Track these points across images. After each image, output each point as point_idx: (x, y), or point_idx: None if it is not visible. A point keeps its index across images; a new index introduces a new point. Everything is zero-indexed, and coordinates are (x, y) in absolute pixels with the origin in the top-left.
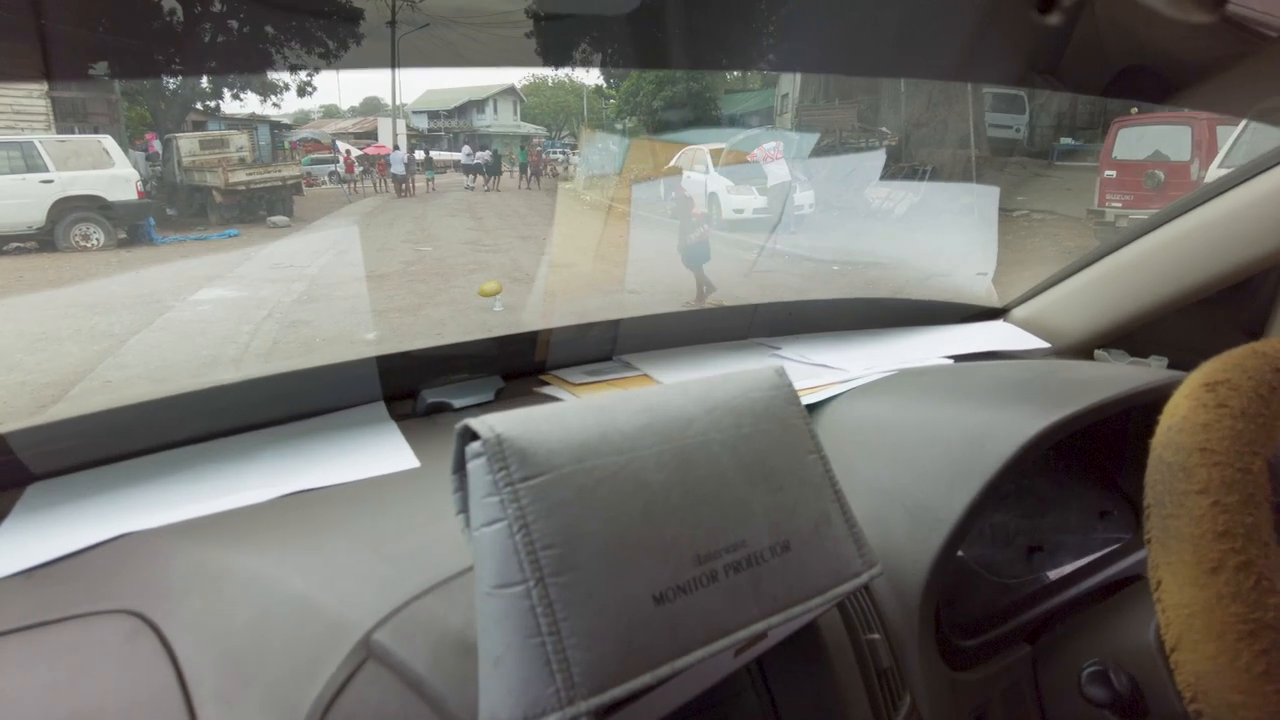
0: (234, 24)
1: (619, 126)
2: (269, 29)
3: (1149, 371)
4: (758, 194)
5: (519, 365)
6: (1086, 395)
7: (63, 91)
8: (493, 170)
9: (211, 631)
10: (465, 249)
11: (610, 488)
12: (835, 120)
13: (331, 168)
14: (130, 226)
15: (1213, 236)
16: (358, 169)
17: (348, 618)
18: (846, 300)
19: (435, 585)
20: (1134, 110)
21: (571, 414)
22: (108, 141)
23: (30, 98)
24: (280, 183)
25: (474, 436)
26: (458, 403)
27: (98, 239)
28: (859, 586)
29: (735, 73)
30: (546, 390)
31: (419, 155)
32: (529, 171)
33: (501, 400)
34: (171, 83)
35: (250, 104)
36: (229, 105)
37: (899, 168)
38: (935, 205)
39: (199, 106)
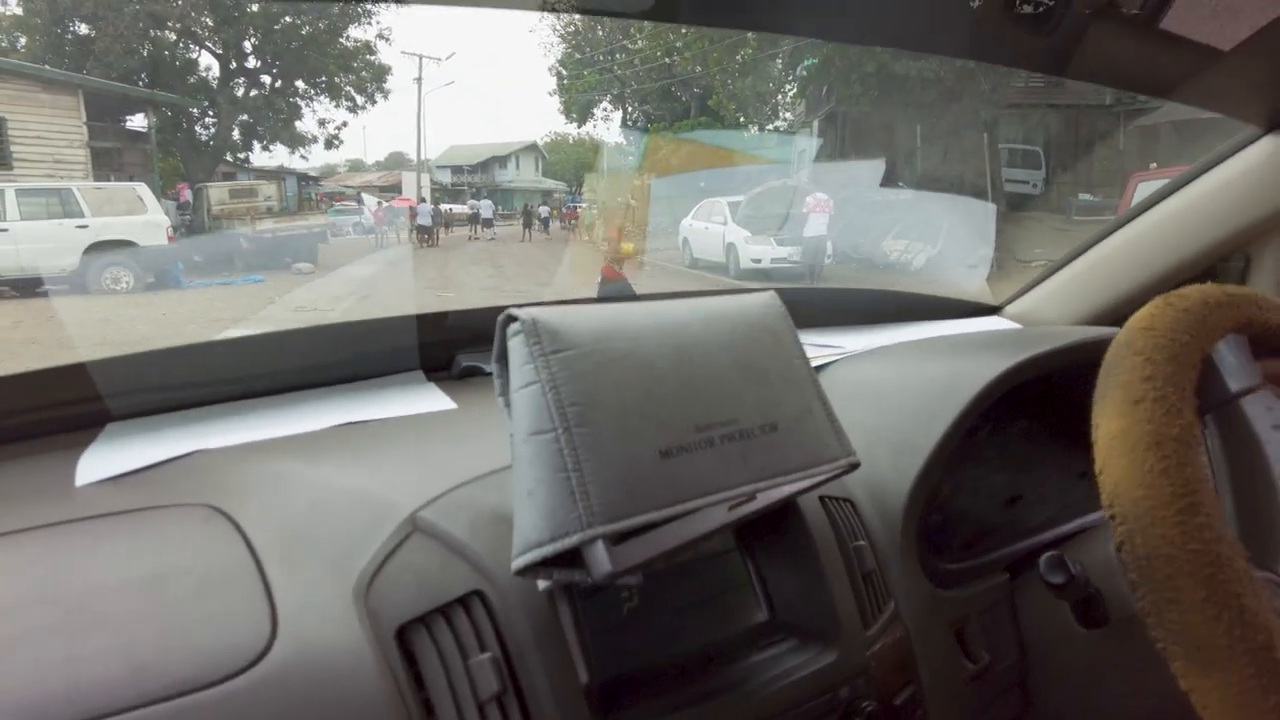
0: (267, 79)
1: (636, 182)
2: (299, 84)
3: (1104, 329)
4: (776, 244)
5: None
6: (1045, 344)
7: (101, 142)
8: (527, 222)
9: (276, 517)
10: (486, 295)
11: (621, 365)
12: (852, 174)
13: (356, 218)
14: (159, 271)
15: (1180, 224)
16: (385, 220)
17: (396, 501)
18: (848, 290)
19: (471, 480)
20: (1152, 165)
21: (591, 310)
22: (142, 189)
23: (71, 147)
24: (306, 230)
25: (510, 322)
26: (488, 367)
27: (127, 282)
28: (838, 471)
29: (752, 130)
30: None
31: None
32: (549, 224)
33: None
34: (204, 134)
35: (279, 156)
36: (258, 157)
37: None
38: (952, 258)
39: (229, 158)
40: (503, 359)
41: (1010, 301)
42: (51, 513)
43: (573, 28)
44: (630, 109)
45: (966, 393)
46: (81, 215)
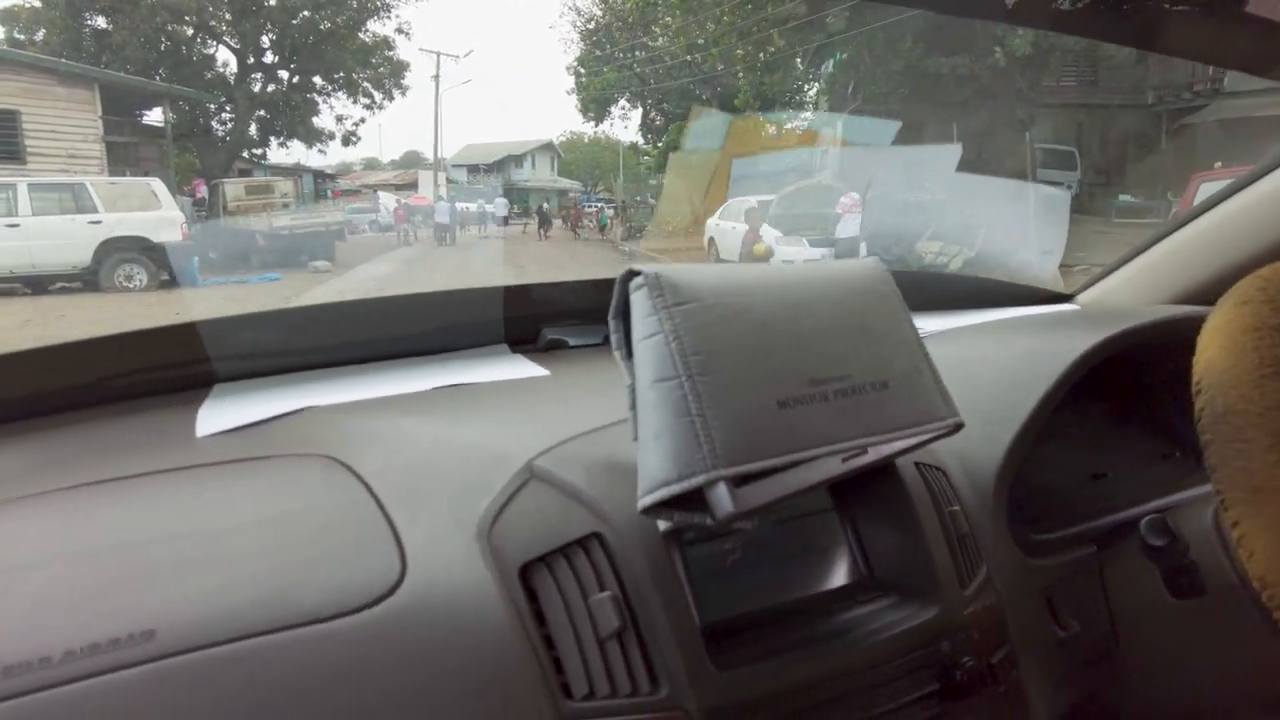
0: (284, 74)
1: (652, 182)
2: (317, 80)
3: (1193, 308)
4: (809, 245)
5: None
6: (1133, 320)
7: (116, 136)
8: (544, 222)
9: (394, 466)
10: None
11: (738, 319)
12: (880, 177)
13: (372, 216)
14: (173, 268)
15: (1262, 211)
16: (406, 219)
17: (509, 452)
18: (922, 274)
19: (579, 435)
20: (1217, 165)
21: (708, 268)
22: (156, 184)
23: (86, 142)
24: (323, 228)
25: (632, 278)
26: (573, 341)
27: (141, 279)
28: (944, 430)
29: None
30: None
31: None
32: (567, 224)
33: (608, 344)
34: (220, 130)
35: (296, 153)
36: (275, 154)
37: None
38: (1001, 254)
39: (246, 155)
40: (620, 314)
41: (1082, 290)
42: (179, 459)
43: (593, 24)
44: (649, 107)
45: (1057, 366)
46: (94, 211)
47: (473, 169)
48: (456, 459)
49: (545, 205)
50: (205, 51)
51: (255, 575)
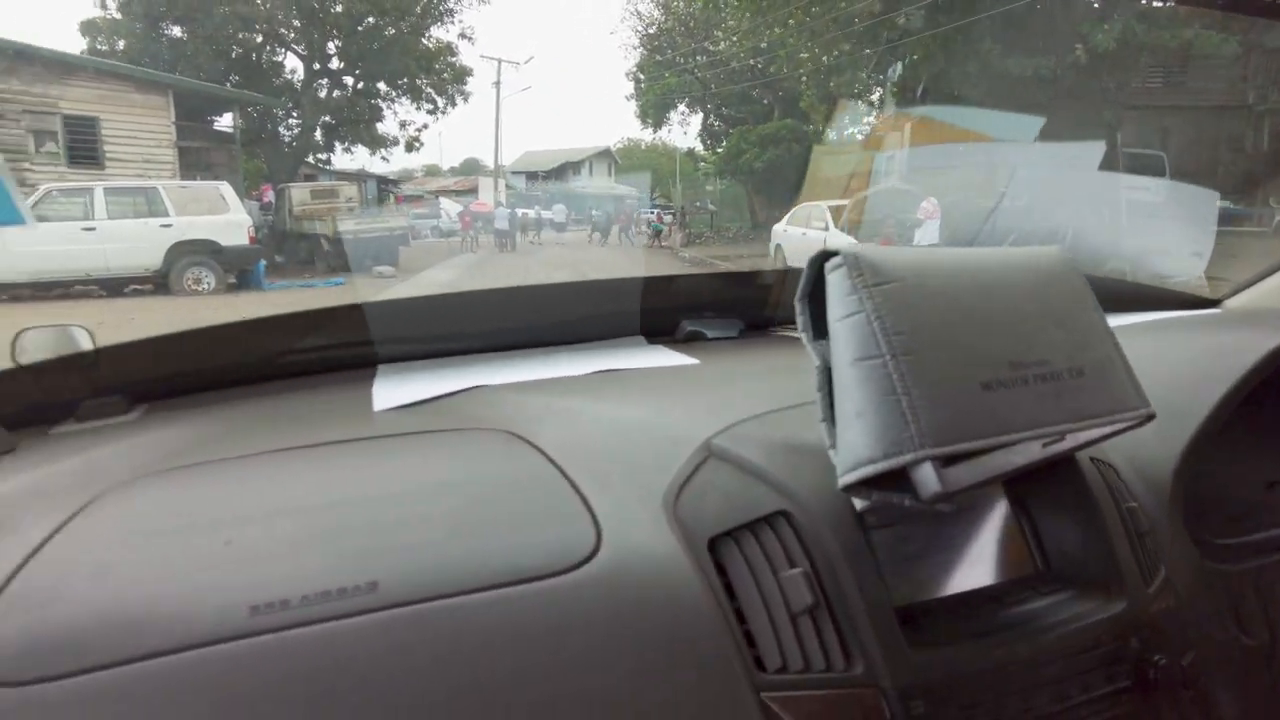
0: (349, 81)
1: (709, 188)
2: (381, 86)
3: None
4: None
5: (755, 312)
6: None
7: (188, 141)
8: (597, 228)
9: (573, 442)
10: None
11: (938, 300)
12: (950, 183)
13: (434, 222)
14: (240, 272)
15: None
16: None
17: (687, 431)
18: None
19: (753, 416)
20: None
21: (905, 250)
22: (225, 188)
23: (160, 147)
24: (387, 232)
25: (827, 258)
26: (711, 333)
27: (209, 283)
28: (1137, 420)
29: (838, 134)
30: (784, 333)
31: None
32: (624, 230)
33: (744, 337)
34: (287, 135)
35: (360, 158)
36: (340, 159)
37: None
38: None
39: (311, 160)
40: (808, 296)
41: (1230, 296)
42: (365, 429)
43: (654, 29)
44: (709, 112)
45: (1234, 366)
46: (166, 214)
47: (531, 175)
48: (631, 437)
49: (595, 212)
50: (274, 59)
51: (463, 535)
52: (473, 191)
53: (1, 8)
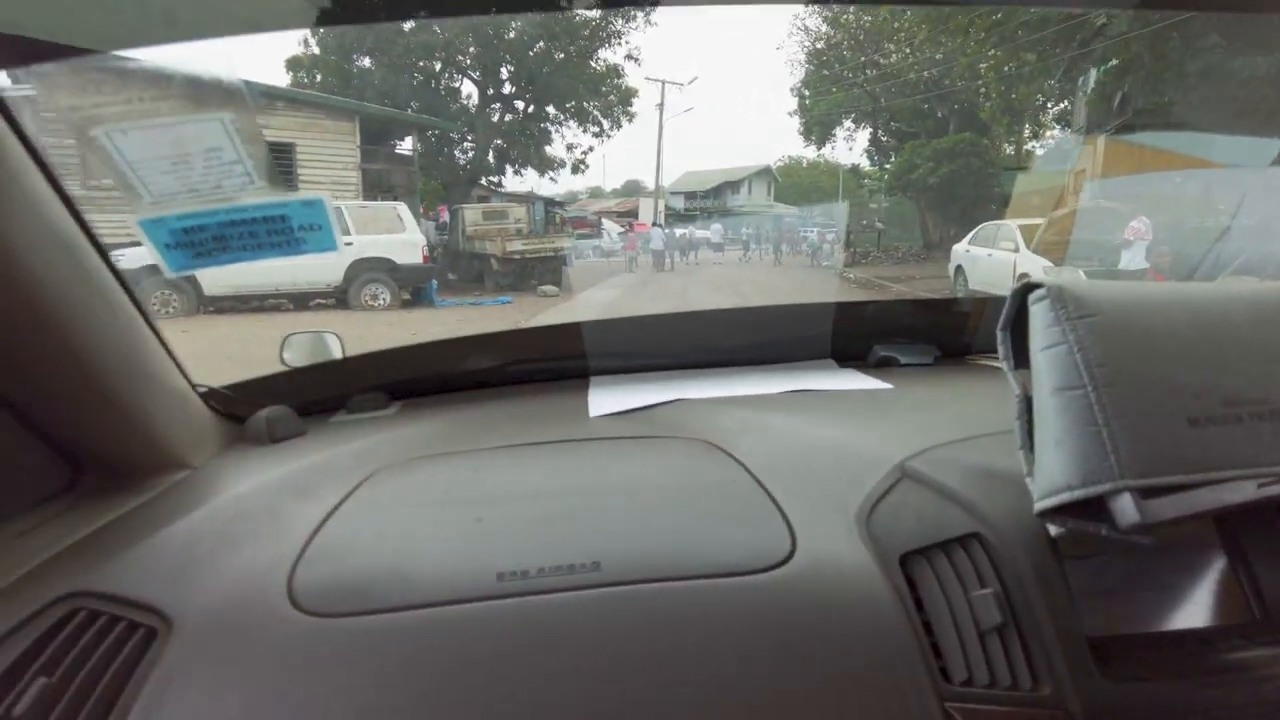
0: (520, 104)
1: (873, 206)
2: (550, 109)
3: None
4: (1085, 277)
5: (951, 339)
6: None
7: (371, 164)
8: (748, 247)
9: (768, 454)
10: None
11: (1145, 334)
12: (1161, 199)
13: (596, 242)
14: (414, 289)
15: None
16: (636, 245)
17: (881, 453)
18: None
19: (948, 442)
20: None
21: (1109, 283)
22: (402, 208)
23: (346, 170)
24: (552, 253)
25: (1029, 290)
26: (904, 359)
27: (384, 299)
28: None
29: (1019, 148)
30: (980, 361)
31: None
32: (775, 248)
33: (939, 364)
34: (462, 159)
35: (529, 180)
36: (510, 181)
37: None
38: None
39: (484, 182)
40: (1010, 326)
41: None
42: (583, 432)
43: (822, 43)
44: (878, 127)
45: None
46: (347, 232)
47: (690, 195)
48: (826, 453)
49: (746, 230)
50: (452, 85)
51: (672, 528)
52: (633, 212)
53: (232, 54)
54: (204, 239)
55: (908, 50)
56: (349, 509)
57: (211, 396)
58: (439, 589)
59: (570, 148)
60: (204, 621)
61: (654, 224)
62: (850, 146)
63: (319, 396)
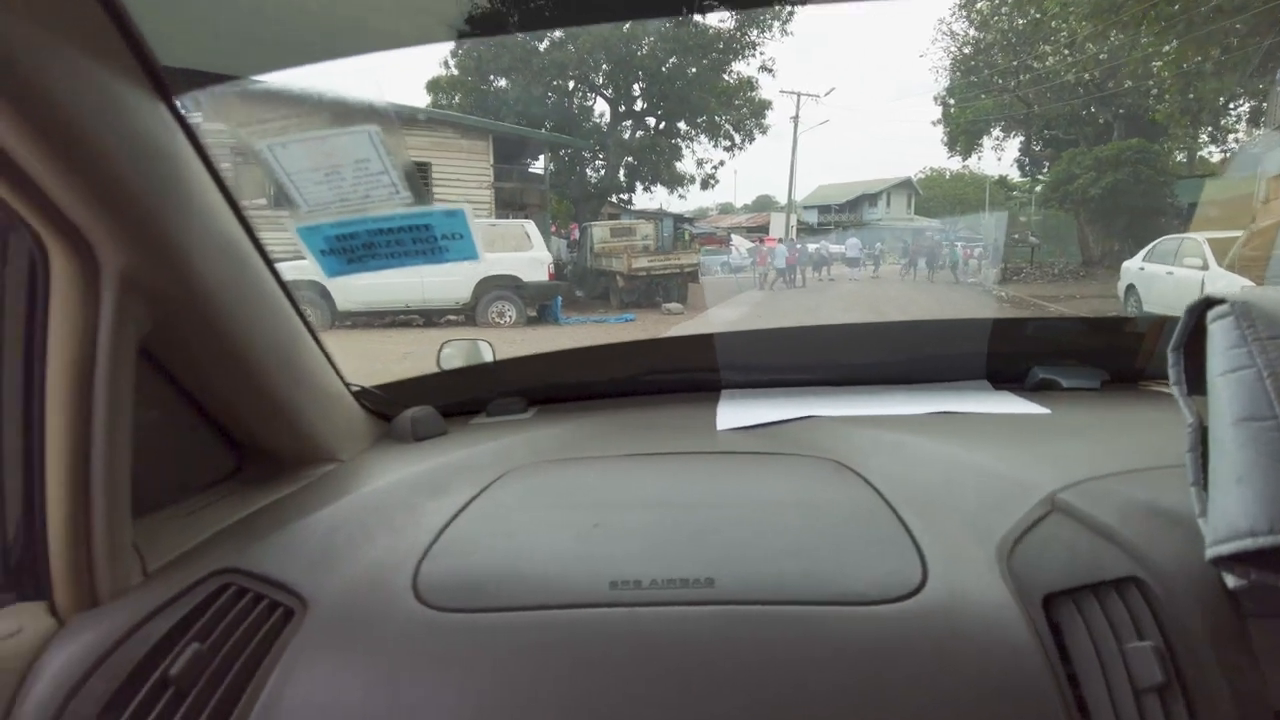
0: (651, 121)
1: (1022, 219)
2: (681, 125)
3: None
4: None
5: (1122, 363)
6: None
7: (503, 183)
8: (932, 262)
9: (902, 477)
10: None
11: None
12: None
13: (724, 258)
14: (540, 306)
15: None
16: (767, 260)
17: (1030, 481)
18: None
19: (1107, 474)
20: None
21: None
22: (530, 226)
23: (479, 188)
24: (678, 270)
25: (1209, 306)
26: (1067, 383)
27: (510, 316)
28: None
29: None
30: (1155, 387)
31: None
32: (911, 264)
33: (1106, 389)
34: (593, 176)
35: (659, 197)
36: (639, 198)
37: None
38: None
39: (614, 199)
40: (1183, 346)
41: None
42: (705, 445)
43: (969, 48)
44: (1031, 135)
45: None
46: None
47: (824, 209)
48: (966, 479)
49: (879, 245)
50: (584, 103)
51: (794, 551)
52: (764, 227)
53: (376, 74)
54: (355, 245)
55: (1066, 51)
56: (477, 508)
57: (363, 396)
58: (552, 592)
59: (700, 163)
60: (335, 606)
61: (780, 240)
62: (999, 157)
63: (462, 399)
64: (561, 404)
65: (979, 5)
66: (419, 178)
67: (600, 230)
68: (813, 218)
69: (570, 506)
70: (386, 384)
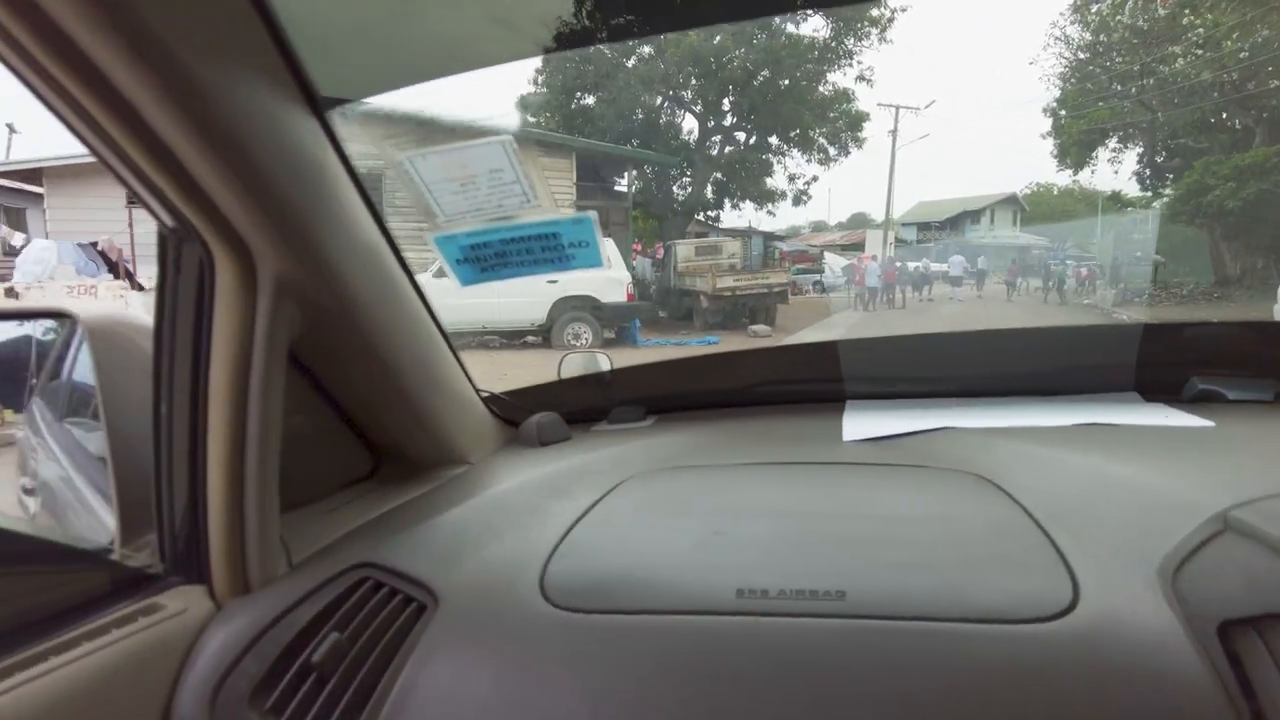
0: (741, 136)
1: (1137, 235)
2: (773, 139)
3: None
4: None
5: None
6: None
7: (587, 200)
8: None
9: (1050, 492)
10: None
11: None
12: None
13: (816, 277)
14: (618, 328)
15: None
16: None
17: (1194, 499)
18: None
19: None
20: None
21: None
22: (609, 245)
23: (561, 207)
24: (765, 289)
25: None
26: (1232, 394)
27: (586, 338)
28: None
29: None
30: None
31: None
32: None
33: (1278, 401)
34: (680, 194)
35: (747, 215)
36: (728, 216)
37: None
38: None
39: (701, 217)
40: None
41: None
42: (830, 455)
43: (1085, 53)
44: (1156, 144)
45: None
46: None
47: (923, 226)
48: (1123, 495)
49: (982, 260)
50: (672, 119)
51: (929, 565)
52: (859, 246)
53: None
54: (488, 255)
55: (1199, 50)
56: (600, 512)
57: (493, 402)
58: (678, 597)
59: (792, 179)
60: (465, 603)
61: (873, 257)
62: (1115, 170)
63: (584, 406)
64: (680, 413)
65: (1095, 8)
66: (549, 188)
67: (684, 248)
68: (911, 235)
69: (690, 513)
70: (514, 390)
